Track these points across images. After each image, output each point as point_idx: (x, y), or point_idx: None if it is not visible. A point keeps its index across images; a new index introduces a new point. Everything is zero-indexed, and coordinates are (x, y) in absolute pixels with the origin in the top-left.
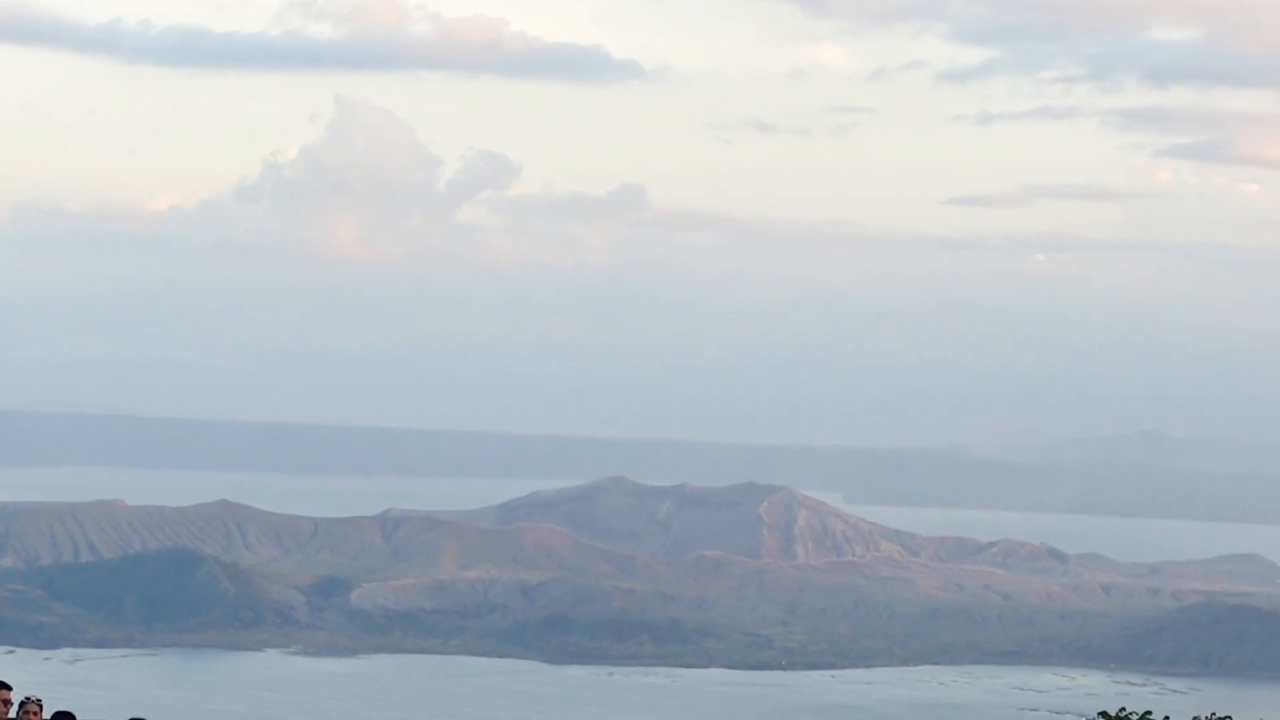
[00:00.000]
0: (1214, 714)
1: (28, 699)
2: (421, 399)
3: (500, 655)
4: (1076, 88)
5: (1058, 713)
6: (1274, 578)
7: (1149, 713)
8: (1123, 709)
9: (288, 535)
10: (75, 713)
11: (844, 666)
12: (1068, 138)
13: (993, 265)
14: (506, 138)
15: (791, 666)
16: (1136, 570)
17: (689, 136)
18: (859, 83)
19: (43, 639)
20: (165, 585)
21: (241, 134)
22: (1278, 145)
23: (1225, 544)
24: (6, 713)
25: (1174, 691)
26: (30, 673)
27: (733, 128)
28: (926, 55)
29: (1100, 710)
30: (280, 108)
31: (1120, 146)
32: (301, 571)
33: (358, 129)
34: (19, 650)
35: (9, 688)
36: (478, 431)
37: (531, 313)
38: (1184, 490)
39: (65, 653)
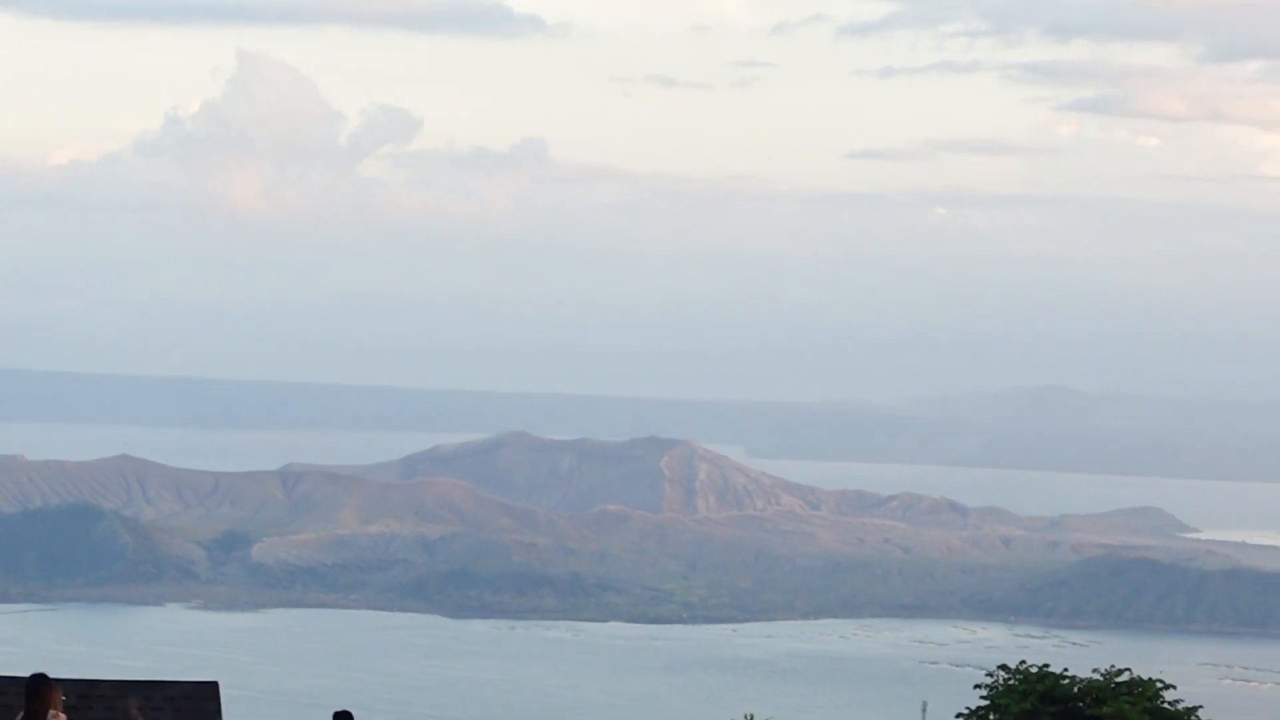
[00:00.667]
0: (1114, 666)
1: None
2: (322, 353)
3: (401, 609)
4: (978, 42)
5: (958, 665)
6: (1174, 531)
7: (1047, 665)
8: (1023, 662)
9: (188, 490)
10: None
11: (745, 620)
12: (969, 92)
13: (894, 219)
14: (408, 92)
15: (692, 620)
16: (1037, 523)
17: (591, 91)
18: (761, 37)
19: None
20: (65, 540)
21: (142, 88)
22: (1178, 99)
23: (1125, 497)
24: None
25: (1074, 644)
26: None
27: (635, 82)
28: (828, 9)
29: (1000, 663)
30: (181, 62)
31: (1022, 100)
32: (202, 526)
33: (259, 83)
34: None
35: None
36: (379, 385)
37: (433, 267)
38: (1085, 444)
39: None
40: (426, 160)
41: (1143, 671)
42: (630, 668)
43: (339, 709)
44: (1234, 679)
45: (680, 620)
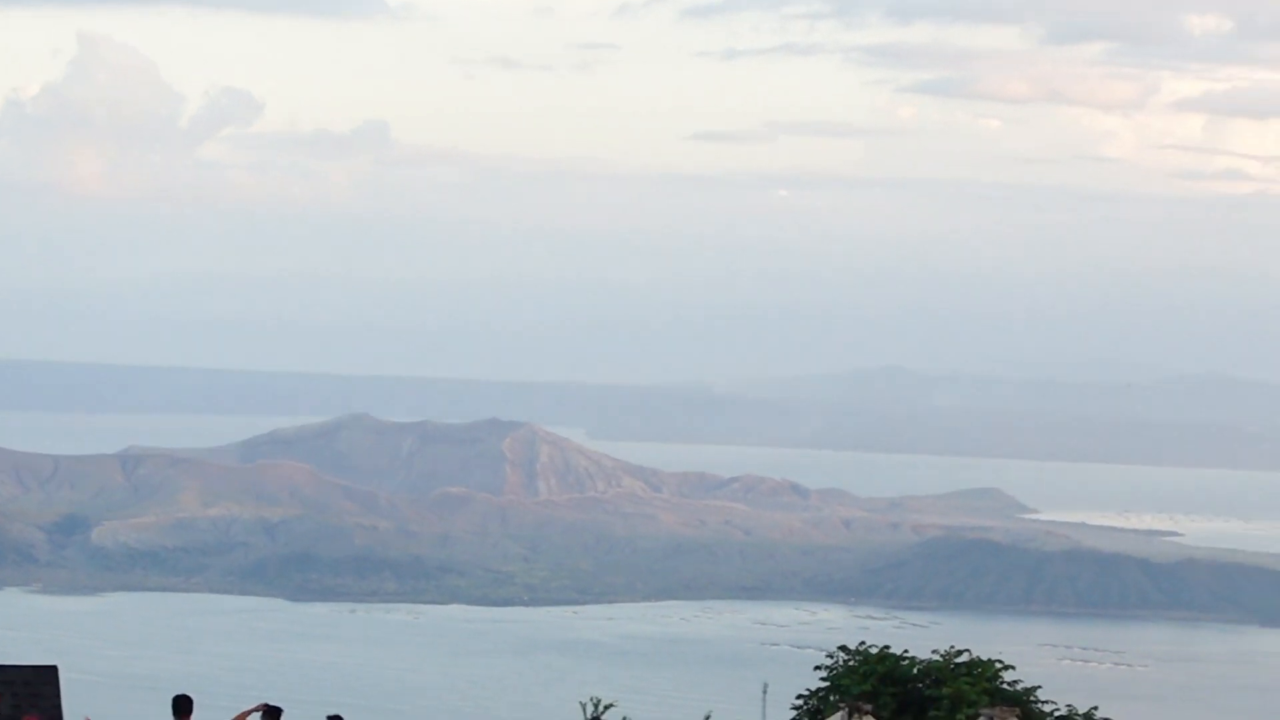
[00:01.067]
0: (953, 647)
1: None
2: (163, 335)
3: (242, 593)
4: (820, 24)
5: (798, 647)
6: (1013, 512)
7: (887, 646)
8: (862, 643)
9: (28, 473)
10: None
11: (586, 602)
12: (811, 74)
13: (736, 201)
14: (250, 74)
15: (534, 602)
16: (877, 505)
17: (433, 73)
18: (603, 19)
19: None
20: None
21: None
22: (1019, 81)
23: (965, 478)
24: None
25: (914, 625)
26: None
27: (477, 64)
28: None
29: (840, 644)
30: (21, 43)
31: (863, 83)
32: (42, 509)
33: (100, 65)
34: None
35: None
36: (219, 368)
37: (274, 249)
38: (924, 425)
39: None
40: (268, 142)
41: (982, 652)
42: (471, 650)
43: (179, 693)
44: (1072, 659)
45: (522, 603)
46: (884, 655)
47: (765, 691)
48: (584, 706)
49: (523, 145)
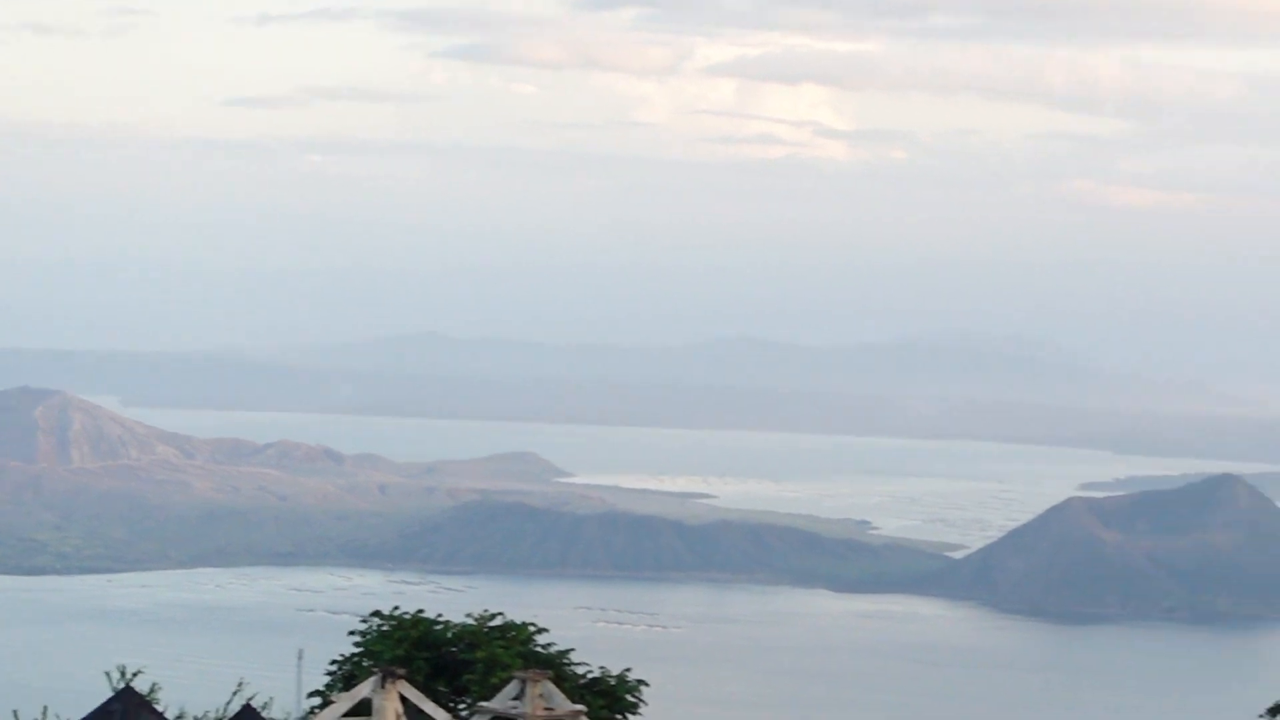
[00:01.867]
0: (486, 610)
1: None
2: None
3: None
4: None
5: (334, 613)
6: (548, 476)
7: (421, 611)
8: (396, 608)
9: None
10: None
11: (120, 570)
12: (345, 39)
13: (270, 167)
14: None
15: (67, 571)
16: (412, 470)
17: None
18: None
19: None
20: None
21: None
22: (552, 46)
23: (500, 443)
24: None
25: (450, 589)
26: None
27: (9, 29)
28: None
29: (374, 610)
30: None
31: (397, 48)
32: None
33: None
34: None
35: None
36: None
37: None
38: (460, 390)
39: None
40: None
41: (517, 615)
42: (1, 620)
43: None
44: (607, 621)
45: (54, 571)
46: (418, 620)
47: (300, 658)
48: (109, 676)
49: (54, 111)
